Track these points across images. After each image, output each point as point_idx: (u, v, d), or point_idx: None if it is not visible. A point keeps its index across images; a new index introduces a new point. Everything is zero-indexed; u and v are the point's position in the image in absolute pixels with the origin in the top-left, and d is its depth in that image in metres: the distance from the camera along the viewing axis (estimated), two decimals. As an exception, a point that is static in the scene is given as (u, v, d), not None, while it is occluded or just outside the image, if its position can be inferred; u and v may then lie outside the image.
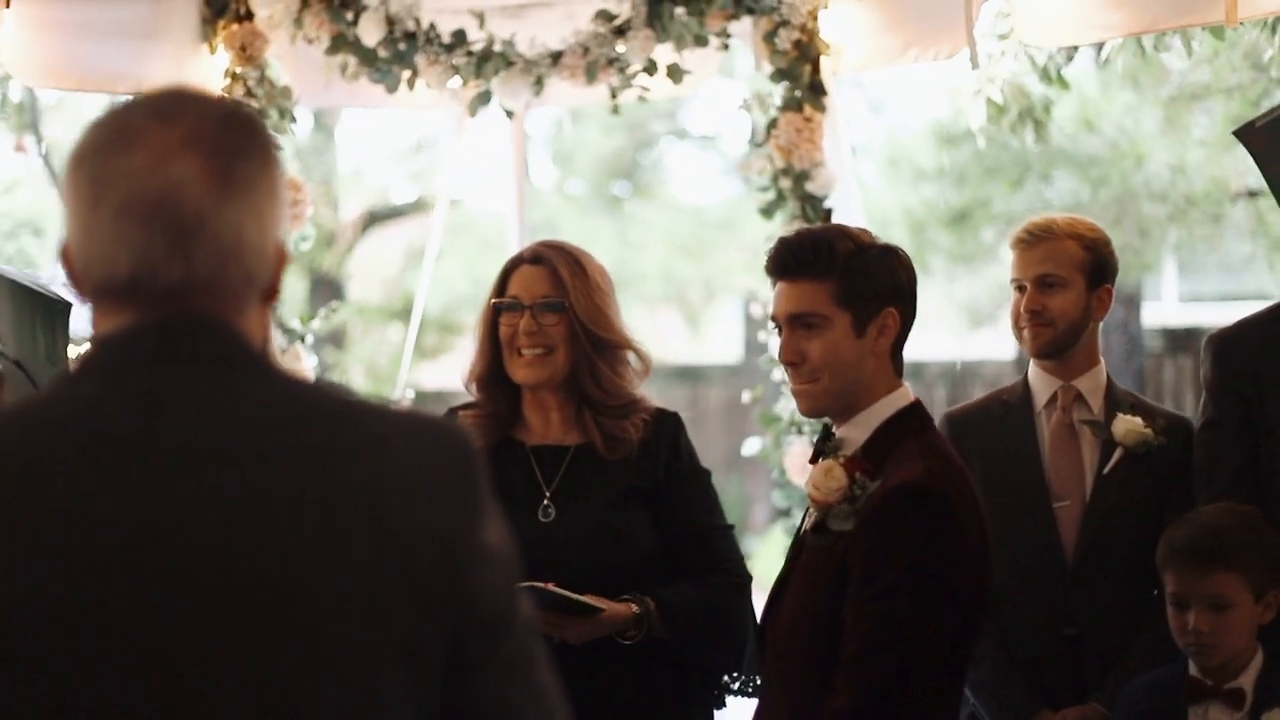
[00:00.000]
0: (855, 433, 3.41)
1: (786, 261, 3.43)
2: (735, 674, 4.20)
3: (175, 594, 1.79)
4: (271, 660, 1.80)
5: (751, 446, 6.26)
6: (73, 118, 19.41)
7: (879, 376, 3.42)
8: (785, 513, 6.26)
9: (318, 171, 15.70)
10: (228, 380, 1.90)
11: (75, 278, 1.94)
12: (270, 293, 1.98)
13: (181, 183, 1.87)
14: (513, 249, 6.64)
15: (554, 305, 4.06)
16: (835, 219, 5.89)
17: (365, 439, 1.90)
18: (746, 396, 6.41)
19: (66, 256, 1.93)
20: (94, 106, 18.91)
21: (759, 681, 4.20)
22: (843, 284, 3.37)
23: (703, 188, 20.28)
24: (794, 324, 3.41)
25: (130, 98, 1.97)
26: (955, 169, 11.91)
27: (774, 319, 3.50)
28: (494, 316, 4.15)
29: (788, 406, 5.99)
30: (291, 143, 6.24)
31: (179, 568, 1.80)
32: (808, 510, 3.60)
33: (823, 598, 3.32)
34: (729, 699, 4.26)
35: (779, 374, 6.09)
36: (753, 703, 4.21)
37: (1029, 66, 6.57)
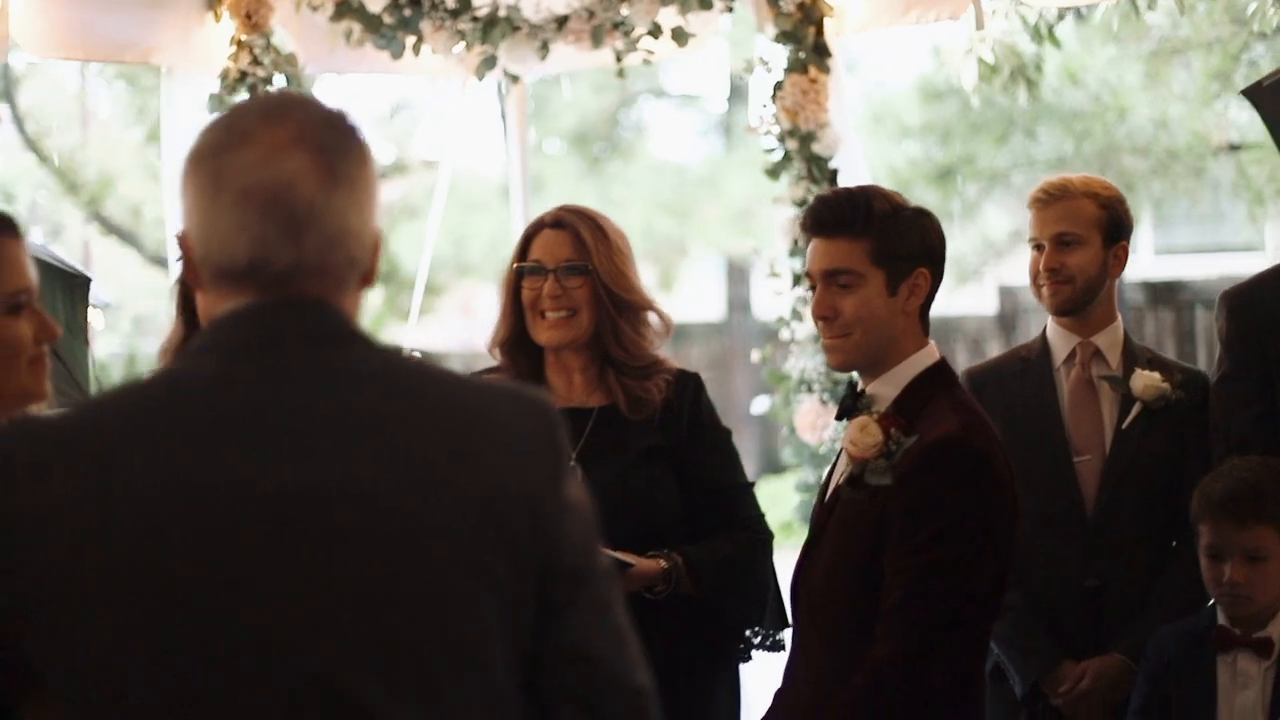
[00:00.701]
0: (886, 389, 3.49)
1: (824, 219, 3.50)
2: (758, 629, 4.27)
3: (301, 551, 2.00)
4: (387, 605, 2.01)
5: (760, 405, 6.33)
6: (47, 87, 19.38)
7: (908, 334, 3.50)
8: (777, 469, 6.35)
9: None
10: (336, 356, 2.10)
11: (192, 263, 2.13)
12: (367, 276, 2.18)
13: (294, 176, 2.07)
14: (516, 213, 6.69)
15: (577, 268, 4.11)
16: (841, 179, 5.95)
17: (462, 408, 2.12)
18: (756, 355, 6.47)
19: (185, 244, 2.12)
20: (68, 75, 18.84)
21: (781, 636, 4.29)
22: (878, 243, 3.45)
23: (682, 146, 20.29)
24: (829, 280, 3.49)
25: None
26: (939, 125, 11.96)
27: (808, 275, 3.57)
28: (516, 281, 4.19)
29: (796, 365, 6.06)
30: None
31: (304, 528, 2.01)
32: (833, 466, 3.68)
33: (860, 550, 3.39)
34: (753, 654, 4.33)
35: (786, 333, 6.16)
36: (774, 657, 4.31)
37: (1020, 25, 6.62)
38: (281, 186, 2.06)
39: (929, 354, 3.52)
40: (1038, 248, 4.39)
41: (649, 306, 4.21)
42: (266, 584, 2.00)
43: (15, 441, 2.07)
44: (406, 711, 2.02)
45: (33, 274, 2.79)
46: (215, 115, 2.19)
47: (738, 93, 18.20)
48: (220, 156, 2.08)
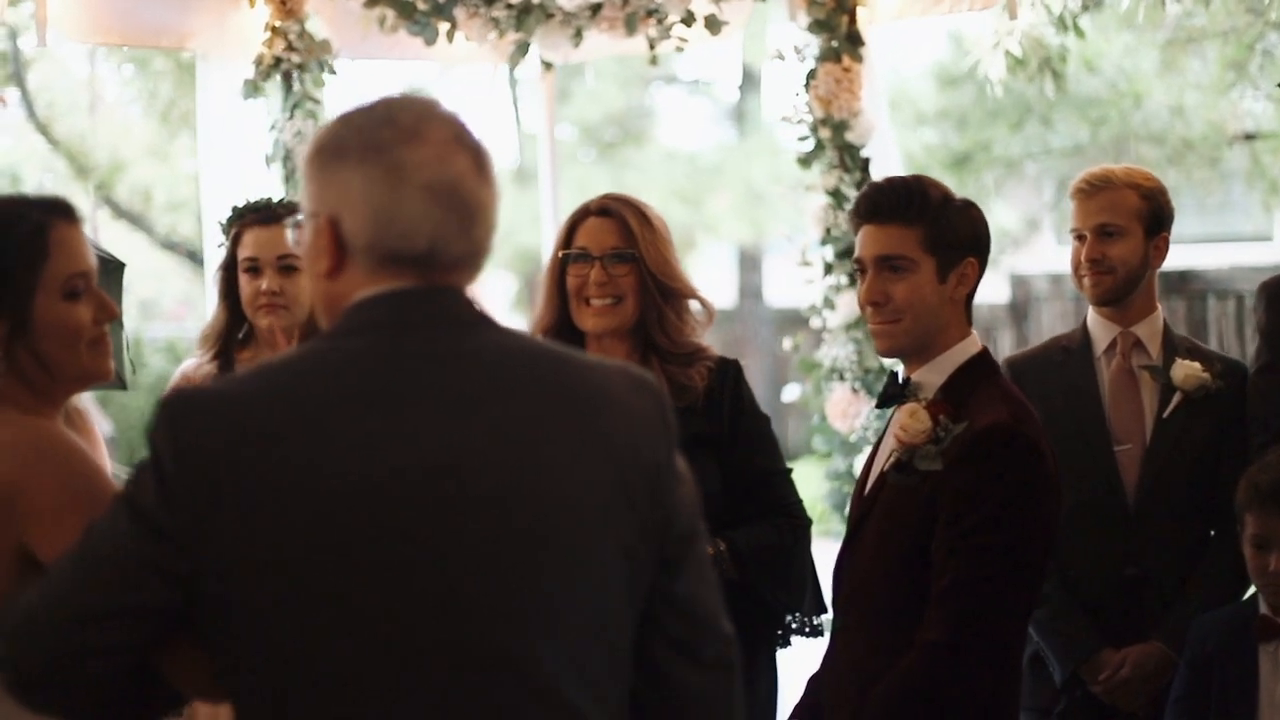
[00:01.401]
0: (931, 377, 3.52)
1: (879, 205, 3.53)
2: (797, 614, 4.29)
3: (462, 521, 2.19)
4: (539, 572, 2.22)
5: (791, 392, 6.36)
6: (56, 70, 19.37)
7: (954, 323, 3.54)
8: (791, 456, 6.37)
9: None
10: (481, 337, 2.31)
11: (341, 244, 2.30)
12: None
13: (462, 173, 2.27)
14: (545, 198, 6.71)
15: (624, 256, 4.13)
16: (873, 168, 5.98)
17: (586, 386, 2.33)
18: (788, 343, 6.50)
19: (335, 226, 2.29)
20: (77, 59, 18.83)
21: (819, 622, 4.32)
22: (931, 231, 3.49)
23: (694, 134, 20.29)
24: (880, 265, 3.52)
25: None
26: (955, 112, 11.96)
27: (858, 261, 3.59)
28: (561, 267, 4.22)
29: (829, 353, 6.08)
30: (327, 96, 6.25)
31: (463, 498, 2.19)
32: (871, 454, 3.72)
33: (907, 534, 3.43)
34: (792, 639, 4.36)
35: (817, 321, 6.19)
36: (813, 643, 4.34)
37: (1045, 16, 6.63)
38: (456, 182, 2.26)
39: (973, 343, 3.56)
40: (1079, 238, 4.42)
41: (692, 294, 4.24)
42: (429, 550, 2.17)
43: (190, 417, 2.21)
44: (562, 673, 2.22)
45: (91, 258, 2.85)
46: (355, 108, 2.33)
47: (750, 80, 18.23)
48: (394, 151, 2.25)
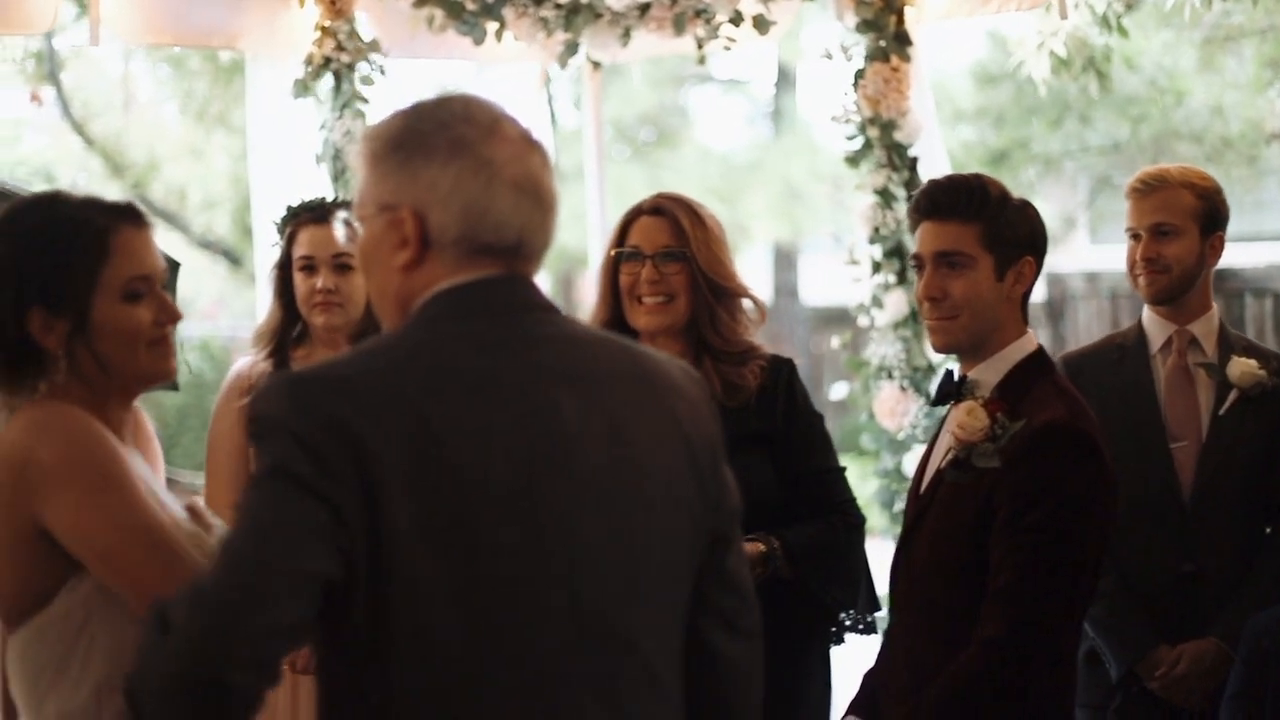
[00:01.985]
0: (988, 375, 3.54)
1: (939, 201, 3.55)
2: (851, 612, 4.31)
3: (570, 493, 2.32)
4: (626, 520, 2.36)
5: (839, 391, 6.37)
6: (90, 70, 19.46)
7: (1010, 321, 3.56)
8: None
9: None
10: (557, 323, 2.43)
11: (424, 236, 2.37)
12: None
13: (540, 169, 2.40)
14: (592, 199, 6.74)
15: (675, 254, 4.15)
16: (921, 167, 5.99)
17: (658, 370, 2.47)
18: (836, 342, 6.51)
19: (417, 218, 2.36)
20: (111, 59, 18.90)
21: (873, 619, 4.34)
22: (990, 228, 3.51)
23: (729, 133, 20.30)
24: (939, 262, 3.54)
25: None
26: (994, 110, 11.95)
27: (916, 257, 3.61)
28: (614, 266, 4.24)
29: (877, 352, 6.10)
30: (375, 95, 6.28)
31: (559, 460, 2.31)
32: (927, 452, 3.73)
33: (963, 531, 3.44)
34: (846, 636, 4.37)
35: (865, 319, 6.20)
36: (866, 640, 4.36)
37: (1089, 16, 6.63)
38: (537, 177, 2.39)
39: (1029, 341, 3.58)
40: (1135, 237, 4.43)
41: (744, 293, 4.25)
42: (556, 520, 2.30)
43: (325, 395, 2.26)
44: (655, 643, 2.38)
45: (158, 262, 2.90)
46: (421, 104, 2.40)
47: (785, 79, 18.23)
48: (480, 147, 2.35)
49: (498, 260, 2.38)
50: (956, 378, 3.61)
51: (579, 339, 2.43)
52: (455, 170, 2.35)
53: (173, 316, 2.89)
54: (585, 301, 22.24)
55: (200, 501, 3.01)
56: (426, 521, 2.23)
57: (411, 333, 2.37)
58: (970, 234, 3.51)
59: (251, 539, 2.23)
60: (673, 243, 4.16)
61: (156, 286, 2.89)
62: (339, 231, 4.60)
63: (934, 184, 3.64)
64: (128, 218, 2.86)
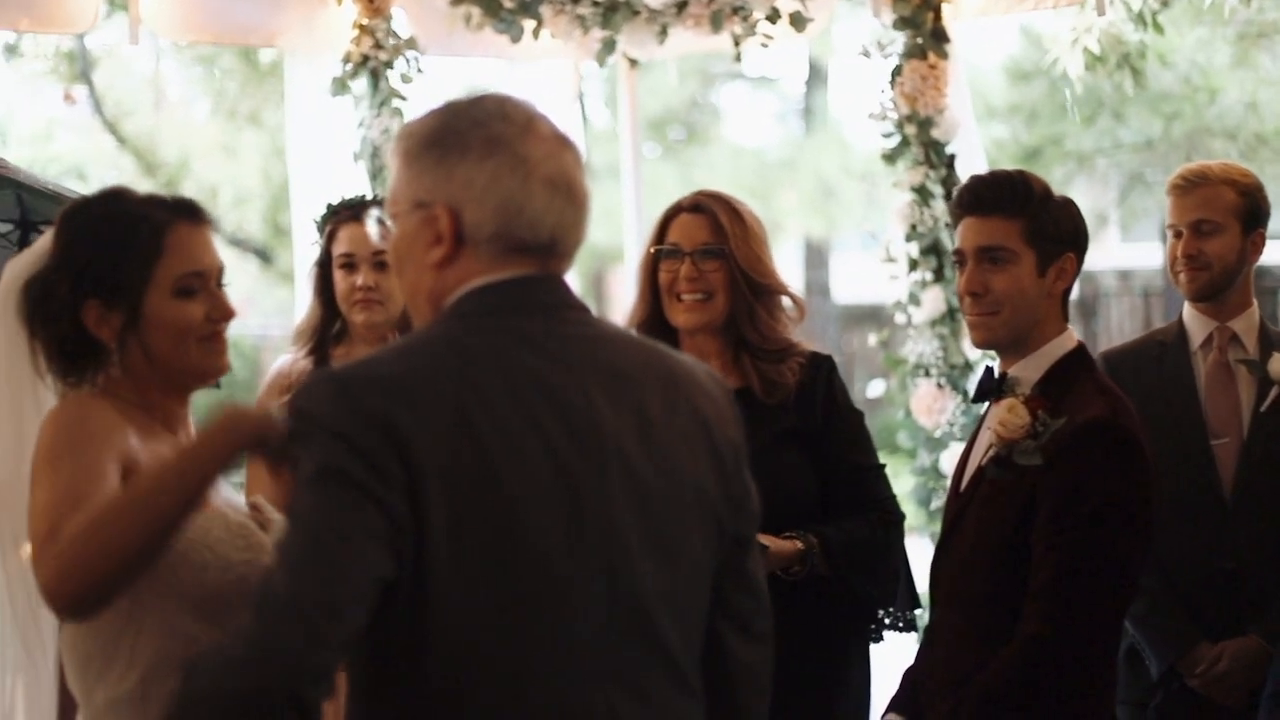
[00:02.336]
0: (1028, 372, 3.54)
1: (983, 196, 3.55)
2: (890, 609, 4.31)
3: (608, 485, 2.34)
4: (659, 519, 2.38)
5: (876, 388, 6.37)
6: (121, 70, 19.53)
7: (1051, 317, 3.56)
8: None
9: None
10: (588, 323, 2.45)
11: (458, 233, 2.38)
12: None
13: (574, 167, 2.42)
14: (628, 199, 6.75)
15: (714, 251, 4.16)
16: (958, 164, 6.00)
17: (683, 370, 2.50)
18: (873, 339, 6.51)
19: (452, 214, 2.37)
20: (142, 58, 18.94)
21: (912, 616, 4.34)
22: (1033, 224, 3.51)
23: (759, 130, 20.30)
24: (981, 257, 3.54)
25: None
26: (1026, 107, 11.93)
27: (958, 252, 3.61)
28: (654, 263, 4.25)
29: (914, 349, 6.10)
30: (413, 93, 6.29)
31: (596, 458, 2.33)
32: (966, 450, 3.73)
33: (1005, 528, 3.44)
34: (884, 633, 4.37)
35: (901, 317, 6.20)
36: (904, 638, 4.36)
37: (1124, 13, 6.62)
38: (572, 176, 2.41)
39: (1069, 338, 3.58)
40: (1176, 234, 4.42)
41: (783, 290, 4.25)
42: (584, 516, 2.32)
43: (370, 394, 2.27)
44: (679, 641, 2.40)
45: (212, 257, 2.92)
46: (456, 101, 2.41)
47: (816, 76, 18.22)
48: (517, 145, 2.36)
49: (531, 258, 2.40)
50: (996, 375, 3.61)
51: (609, 339, 2.45)
52: (491, 167, 2.35)
53: (225, 314, 2.92)
54: (616, 299, 22.26)
55: (261, 499, 3.03)
56: (465, 518, 2.24)
57: (446, 330, 2.38)
58: (1013, 229, 3.51)
59: (315, 546, 2.21)
60: (712, 240, 4.17)
61: (211, 283, 2.92)
62: (369, 228, 4.62)
63: (977, 179, 3.64)
64: (186, 214, 2.90)
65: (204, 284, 2.90)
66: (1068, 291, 3.60)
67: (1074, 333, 3.61)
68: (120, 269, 2.83)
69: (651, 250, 4.25)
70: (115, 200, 2.91)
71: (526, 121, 2.37)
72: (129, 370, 2.88)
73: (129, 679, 2.78)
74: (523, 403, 2.30)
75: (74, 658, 2.83)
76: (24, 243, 5.40)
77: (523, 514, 2.27)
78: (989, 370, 3.65)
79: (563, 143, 2.40)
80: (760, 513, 2.57)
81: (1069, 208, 3.59)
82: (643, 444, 2.37)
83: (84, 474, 2.65)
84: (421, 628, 2.25)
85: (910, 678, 3.81)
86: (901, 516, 4.31)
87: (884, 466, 4.37)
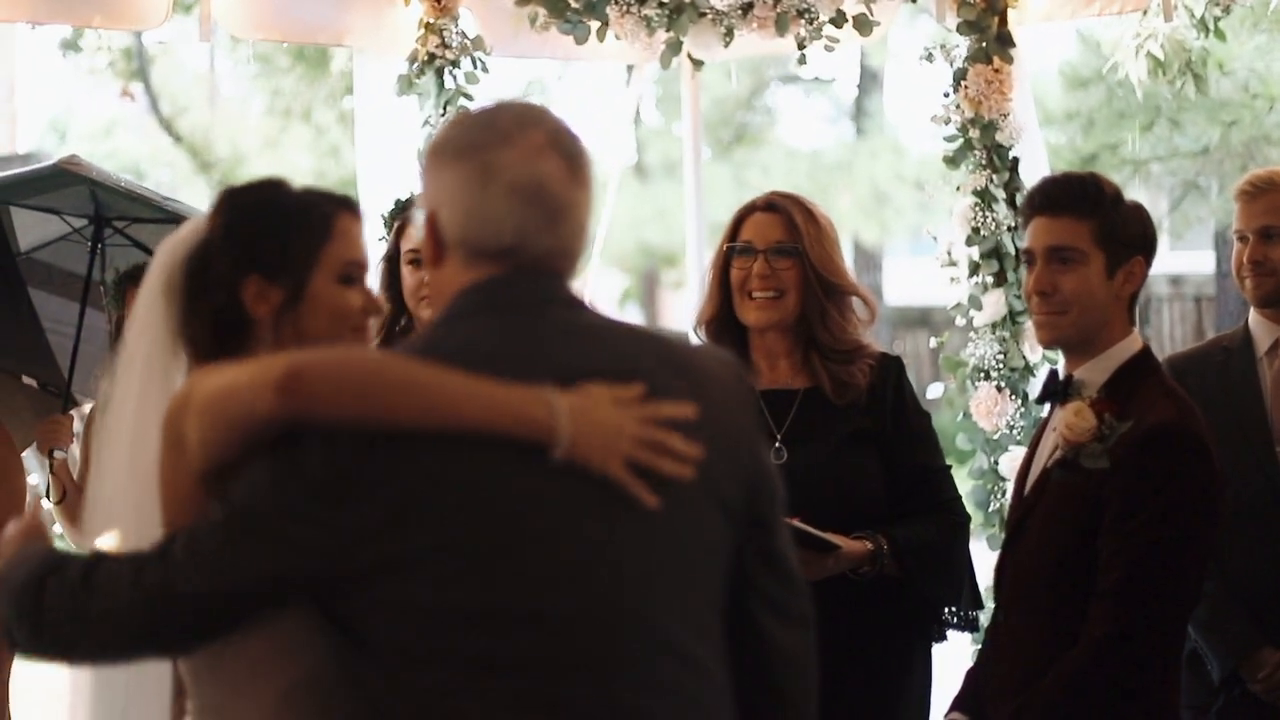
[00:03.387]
0: (1094, 375, 3.56)
1: (1054, 197, 3.58)
2: (954, 609, 4.33)
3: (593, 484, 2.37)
4: (663, 522, 2.41)
5: (935, 390, 6.40)
6: (175, 67, 19.66)
7: (1118, 320, 3.58)
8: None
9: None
10: (575, 317, 2.50)
11: (441, 239, 2.50)
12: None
13: (551, 174, 2.45)
14: (690, 197, 6.79)
15: (787, 250, 4.18)
16: (1022, 169, 6.02)
17: (682, 360, 2.53)
18: (933, 342, 6.53)
19: (433, 222, 2.50)
20: (198, 56, 19.04)
21: (975, 616, 4.36)
22: (1103, 225, 3.54)
23: (812, 132, 20.32)
24: (1051, 257, 3.56)
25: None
26: (1084, 113, 11.90)
27: (1027, 252, 3.63)
28: (725, 261, 4.28)
29: (975, 352, 6.12)
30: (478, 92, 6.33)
31: None
32: (1030, 452, 3.75)
33: (1071, 530, 3.47)
34: (949, 633, 4.40)
35: (961, 320, 6.22)
36: (963, 637, 4.39)
37: (1186, 19, 6.62)
38: (543, 182, 2.44)
39: (1135, 341, 3.60)
40: (1242, 239, 4.43)
41: (855, 291, 4.28)
42: (566, 511, 2.37)
43: None
44: (676, 623, 2.42)
45: (368, 252, 3.00)
46: (469, 111, 2.58)
47: (870, 78, 18.22)
48: (486, 153, 2.45)
49: (497, 262, 2.47)
50: (1061, 377, 3.63)
51: (600, 332, 2.51)
52: (460, 174, 2.46)
53: (378, 308, 2.95)
54: (668, 299, 22.31)
55: None
56: (446, 523, 2.33)
57: (435, 330, 2.51)
58: (1084, 230, 3.54)
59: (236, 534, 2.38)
60: (785, 238, 4.20)
61: (365, 277, 2.97)
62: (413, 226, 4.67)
63: (1049, 180, 3.67)
64: (349, 206, 2.94)
65: (362, 275, 2.94)
66: (1135, 295, 3.63)
67: (1139, 336, 3.63)
68: (288, 247, 2.83)
69: (724, 247, 4.28)
70: (280, 185, 2.93)
71: (509, 129, 2.46)
72: (279, 351, 2.85)
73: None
74: None
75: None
76: (97, 238, 5.47)
77: (502, 516, 2.34)
78: (1054, 373, 3.67)
79: (549, 151, 2.45)
80: (782, 495, 2.60)
81: (1139, 211, 3.62)
82: None
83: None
84: (397, 630, 2.35)
85: (973, 678, 3.83)
86: (967, 517, 4.35)
87: (950, 468, 4.40)
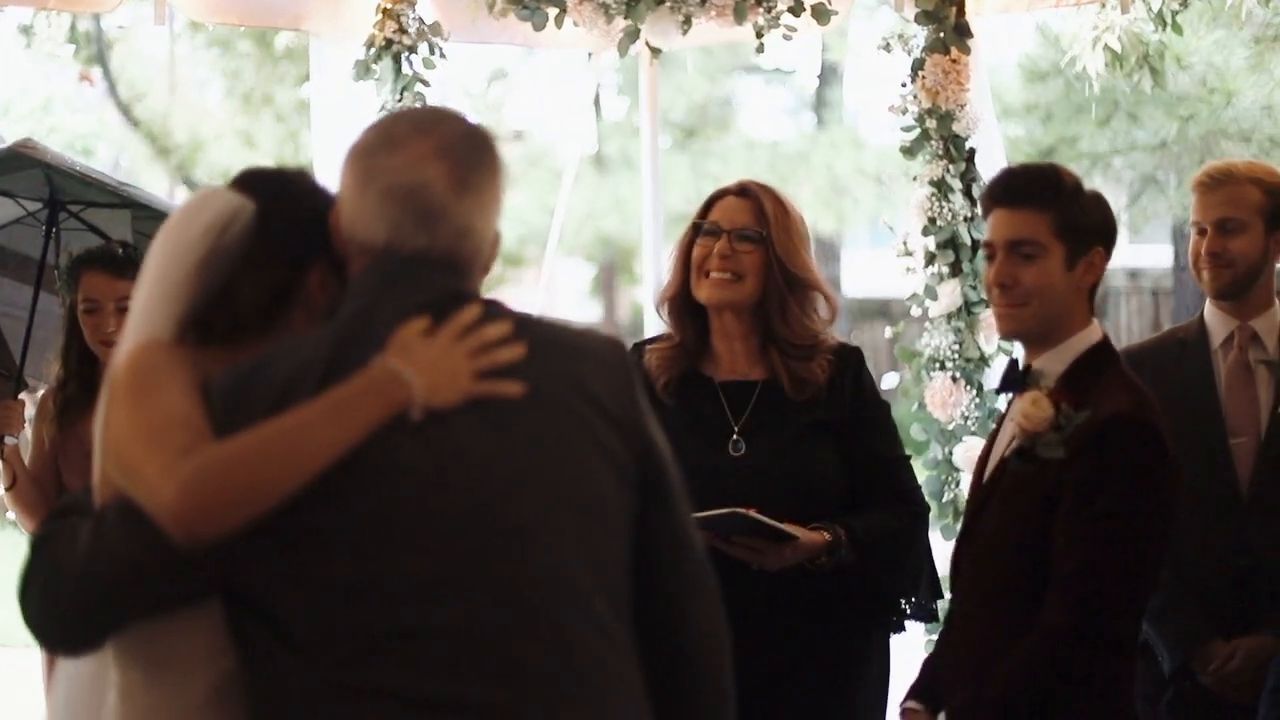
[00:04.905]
0: (1053, 365, 3.56)
1: (1013, 189, 3.58)
2: (912, 599, 4.33)
3: (491, 439, 2.52)
4: (550, 468, 2.53)
5: (890, 380, 6.40)
6: (135, 52, 19.56)
7: (1078, 311, 3.59)
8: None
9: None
10: (433, 298, 2.58)
11: (340, 238, 2.63)
12: (486, 266, 2.72)
13: (430, 180, 2.58)
14: (646, 185, 6.78)
15: (751, 235, 4.18)
16: (978, 159, 6.03)
17: (560, 338, 2.65)
18: (889, 332, 6.54)
19: (334, 222, 2.64)
20: (158, 41, 18.92)
21: (934, 606, 4.37)
22: (1063, 217, 3.54)
23: (772, 123, 20.32)
24: (1011, 250, 3.56)
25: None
26: (1042, 106, 11.93)
27: (987, 244, 3.64)
28: (691, 238, 4.27)
29: (930, 343, 6.13)
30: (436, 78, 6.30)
31: (494, 425, 2.52)
32: (989, 442, 3.75)
33: (1027, 520, 3.48)
34: (906, 623, 4.40)
35: (917, 310, 6.23)
36: (920, 626, 4.39)
37: (1144, 13, 6.63)
38: (419, 188, 2.57)
39: (1094, 331, 3.60)
40: (1200, 231, 4.43)
41: (818, 288, 4.27)
42: (469, 479, 2.49)
43: (232, 391, 2.56)
44: (568, 547, 2.52)
45: None
46: (377, 118, 2.71)
47: (830, 70, 18.23)
48: (373, 157, 2.59)
49: (376, 257, 2.59)
50: (1022, 366, 3.63)
51: (486, 315, 2.59)
52: (346, 176, 2.63)
53: None
54: (625, 288, 22.32)
55: None
56: (317, 510, 2.45)
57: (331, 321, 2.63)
58: (1043, 222, 3.54)
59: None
60: (752, 224, 4.19)
61: None
62: None
63: (1008, 171, 3.68)
64: None
65: None
66: (1095, 285, 3.64)
67: (1099, 326, 3.64)
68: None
69: (692, 224, 4.27)
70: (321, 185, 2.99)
71: (400, 137, 2.59)
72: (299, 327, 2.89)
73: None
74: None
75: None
76: (52, 222, 5.43)
77: (394, 483, 2.46)
78: (1013, 362, 3.68)
79: (434, 158, 2.57)
80: (671, 468, 2.68)
81: (1099, 201, 3.63)
82: (526, 409, 2.53)
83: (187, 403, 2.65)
84: (305, 610, 2.47)
85: (930, 667, 3.84)
86: (927, 508, 4.37)
87: (910, 457, 4.40)
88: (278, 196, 2.83)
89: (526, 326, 2.61)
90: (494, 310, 2.62)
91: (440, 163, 2.58)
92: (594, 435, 2.57)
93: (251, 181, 2.88)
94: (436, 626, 2.43)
